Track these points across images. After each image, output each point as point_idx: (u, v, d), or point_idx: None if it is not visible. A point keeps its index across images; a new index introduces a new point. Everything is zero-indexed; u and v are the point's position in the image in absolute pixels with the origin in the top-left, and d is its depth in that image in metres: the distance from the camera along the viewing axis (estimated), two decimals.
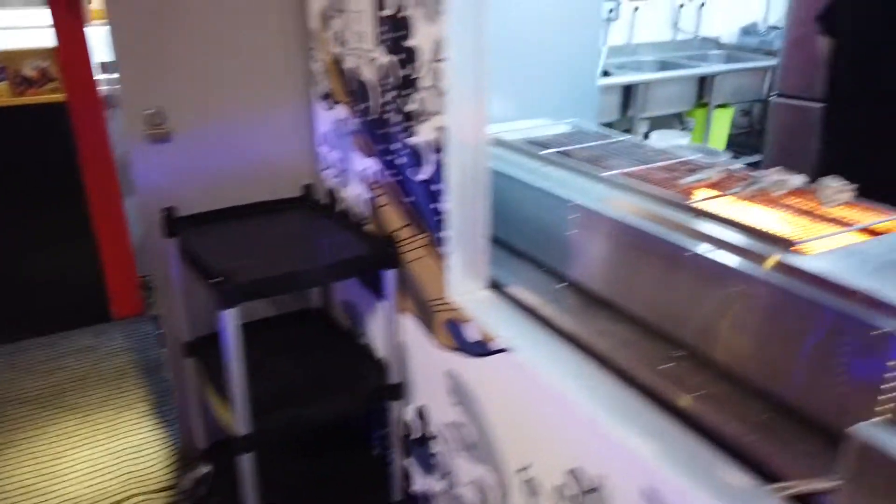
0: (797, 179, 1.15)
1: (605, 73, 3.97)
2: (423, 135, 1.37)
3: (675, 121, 4.41)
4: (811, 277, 0.94)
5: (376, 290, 1.73)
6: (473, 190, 1.34)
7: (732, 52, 4.38)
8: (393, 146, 1.51)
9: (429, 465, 1.72)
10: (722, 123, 3.98)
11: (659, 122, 4.27)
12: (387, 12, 1.38)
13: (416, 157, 1.42)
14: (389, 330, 1.69)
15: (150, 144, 1.80)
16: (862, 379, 0.88)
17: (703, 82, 3.93)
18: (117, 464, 2.19)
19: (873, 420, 0.76)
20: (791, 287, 0.96)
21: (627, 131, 4.02)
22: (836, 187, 1.08)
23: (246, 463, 1.57)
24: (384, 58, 1.44)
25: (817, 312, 0.92)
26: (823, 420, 0.94)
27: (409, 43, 1.32)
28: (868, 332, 0.86)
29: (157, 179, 1.84)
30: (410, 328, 1.65)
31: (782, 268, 0.98)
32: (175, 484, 2.10)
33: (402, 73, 1.39)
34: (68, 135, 2.70)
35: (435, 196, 1.39)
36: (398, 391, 1.74)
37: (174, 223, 1.79)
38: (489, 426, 1.40)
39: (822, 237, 1.03)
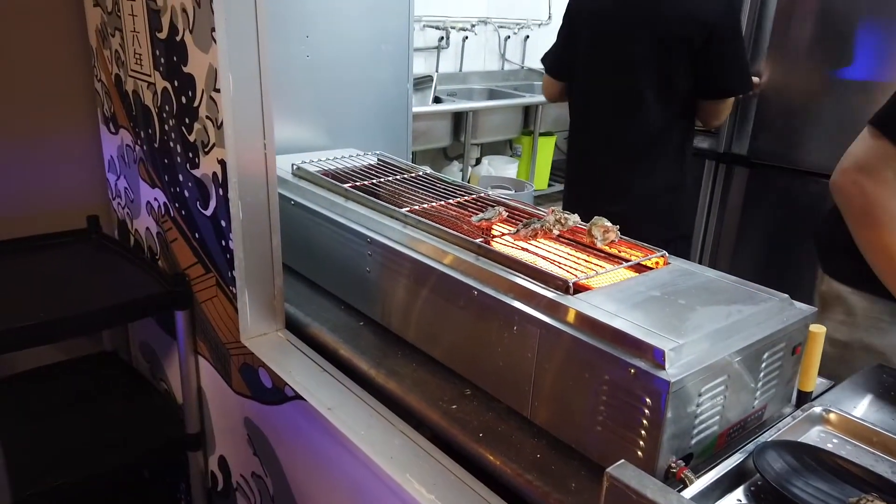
0: (574, 218, 1.20)
1: (437, 100, 4.05)
2: (205, 167, 1.27)
3: (506, 147, 4.60)
4: (582, 318, 0.97)
5: (172, 333, 1.58)
6: (261, 227, 1.26)
7: None
8: (179, 177, 1.39)
9: None
10: (546, 150, 4.20)
11: (491, 148, 4.43)
12: (162, 35, 1.27)
13: (201, 190, 1.32)
14: (186, 375, 1.55)
15: None
16: (622, 418, 0.91)
17: (529, 111, 4.13)
18: None
19: (624, 460, 0.79)
20: (566, 328, 0.98)
21: (461, 156, 4.12)
22: (606, 226, 1.14)
23: None
24: (162, 83, 1.32)
25: (588, 353, 0.94)
26: (597, 458, 0.96)
27: (186, 70, 1.22)
28: (626, 370, 0.89)
29: None
30: (208, 373, 1.52)
31: (556, 308, 1.00)
32: None
33: (181, 100, 1.28)
34: None
35: (223, 233, 1.29)
36: (196, 441, 1.59)
37: None
38: (287, 477, 1.31)
39: (595, 275, 1.07)
